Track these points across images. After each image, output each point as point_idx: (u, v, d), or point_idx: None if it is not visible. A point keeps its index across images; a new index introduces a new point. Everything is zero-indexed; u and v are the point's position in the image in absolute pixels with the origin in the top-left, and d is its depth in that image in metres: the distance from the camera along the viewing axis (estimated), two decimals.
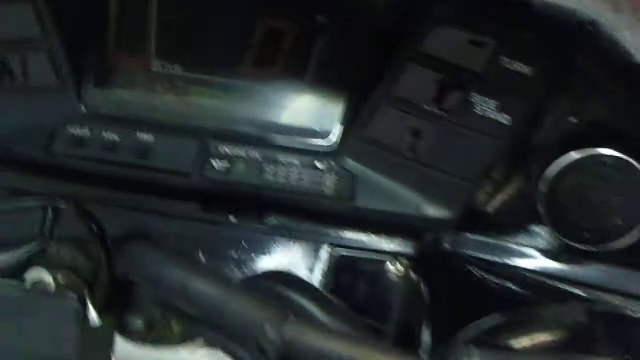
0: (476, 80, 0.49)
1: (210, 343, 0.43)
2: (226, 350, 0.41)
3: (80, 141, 0.53)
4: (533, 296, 0.51)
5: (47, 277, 0.46)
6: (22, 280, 0.45)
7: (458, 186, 0.51)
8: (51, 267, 0.47)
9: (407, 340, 0.53)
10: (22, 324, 0.47)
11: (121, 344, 0.48)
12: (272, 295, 0.47)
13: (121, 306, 0.50)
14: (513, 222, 0.53)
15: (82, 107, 0.53)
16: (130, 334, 0.50)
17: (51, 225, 0.52)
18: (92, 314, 0.47)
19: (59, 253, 0.49)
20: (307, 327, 0.39)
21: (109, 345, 0.47)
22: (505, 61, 0.49)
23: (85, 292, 0.47)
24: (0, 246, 0.46)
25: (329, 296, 0.49)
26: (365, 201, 0.52)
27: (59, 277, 0.47)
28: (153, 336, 0.52)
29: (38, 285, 0.45)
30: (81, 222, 0.50)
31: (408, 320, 0.54)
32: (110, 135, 0.53)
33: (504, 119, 0.49)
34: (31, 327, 0.47)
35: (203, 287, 0.41)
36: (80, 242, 0.50)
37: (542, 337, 0.46)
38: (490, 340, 0.43)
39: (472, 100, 0.50)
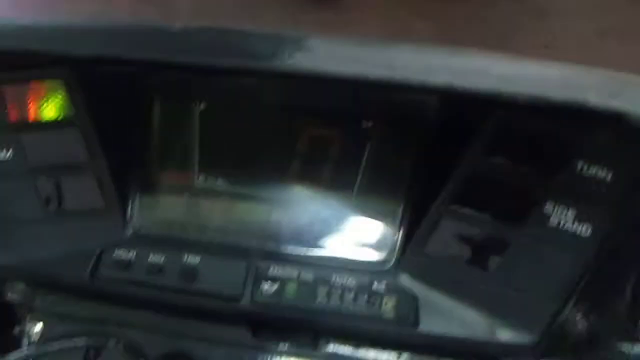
0: (551, 187, 0.44)
1: None
2: None
3: (126, 265, 0.50)
4: None
5: None
6: None
7: (537, 307, 0.45)
8: None
9: None
10: None
11: None
12: None
13: None
14: (601, 346, 0.46)
15: (128, 230, 0.52)
16: None
17: None
18: None
19: None
20: None
21: None
22: (583, 167, 0.44)
23: None
24: None
25: None
26: (429, 325, 0.47)
27: None
28: None
29: None
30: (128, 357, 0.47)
31: None
32: (156, 258, 0.50)
33: (583, 230, 0.44)
34: None
35: None
36: None
37: None
38: None
39: (547, 211, 0.45)
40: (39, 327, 0.54)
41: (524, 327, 0.45)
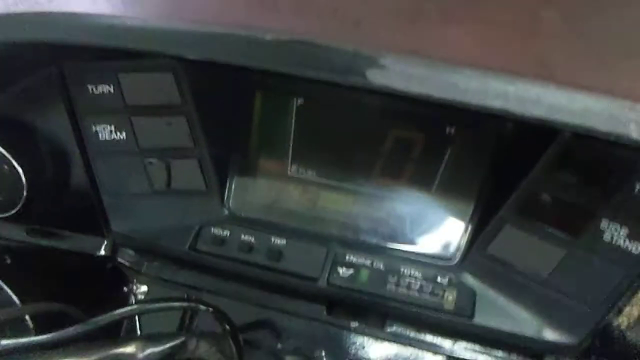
0: (607, 205, 0.49)
1: None
2: None
3: (220, 241, 0.58)
4: None
5: None
6: None
7: (583, 312, 0.51)
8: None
9: None
10: None
11: None
12: None
13: None
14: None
15: (225, 210, 0.59)
16: None
17: (190, 324, 0.58)
18: None
19: (197, 348, 0.53)
20: None
21: None
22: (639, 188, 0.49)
23: None
24: (147, 340, 0.52)
25: None
26: (484, 319, 0.53)
27: None
28: None
29: None
30: (217, 321, 0.54)
31: None
32: (247, 237, 0.58)
33: (634, 248, 0.49)
34: None
35: None
36: (215, 338, 0.54)
37: None
38: None
39: (602, 227, 0.50)
40: (144, 288, 0.63)
41: (569, 329, 0.51)
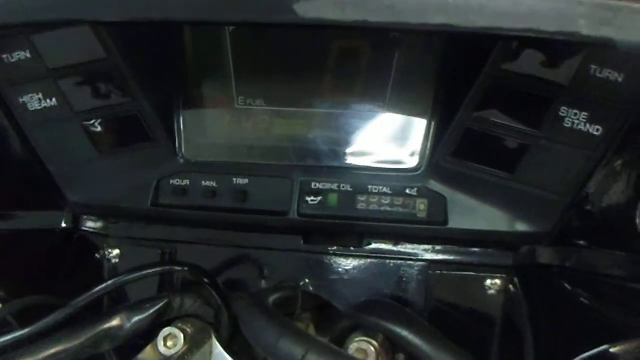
0: (564, 92, 0.48)
1: None
2: None
3: (182, 191, 0.56)
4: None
5: (178, 333, 0.51)
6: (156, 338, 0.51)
7: (552, 201, 0.51)
8: (179, 320, 0.52)
9: (511, 356, 0.55)
10: None
11: None
12: (374, 329, 0.51)
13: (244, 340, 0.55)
14: (609, 235, 0.53)
15: (180, 159, 0.57)
16: None
17: (171, 282, 0.57)
18: (222, 353, 0.52)
19: (183, 305, 0.53)
20: None
21: None
22: (595, 70, 0.47)
23: (213, 334, 0.53)
24: (131, 310, 0.52)
25: (428, 325, 0.52)
26: (458, 222, 0.53)
27: (188, 327, 0.52)
28: None
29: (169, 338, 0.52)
30: (194, 276, 0.54)
31: (510, 335, 0.56)
32: (209, 183, 0.56)
33: (595, 130, 0.49)
34: None
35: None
36: (198, 292, 0.54)
37: None
38: None
39: (561, 114, 0.49)
40: (116, 252, 0.62)
41: (540, 218, 0.52)
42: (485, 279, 0.56)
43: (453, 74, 0.52)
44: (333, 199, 0.55)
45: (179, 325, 0.51)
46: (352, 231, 0.57)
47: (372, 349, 0.51)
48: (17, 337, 0.49)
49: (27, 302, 0.51)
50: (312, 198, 0.55)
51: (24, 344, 0.50)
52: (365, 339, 0.51)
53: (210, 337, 0.52)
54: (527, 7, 0.38)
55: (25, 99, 0.54)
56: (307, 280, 0.60)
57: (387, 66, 0.54)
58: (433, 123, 0.53)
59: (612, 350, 0.46)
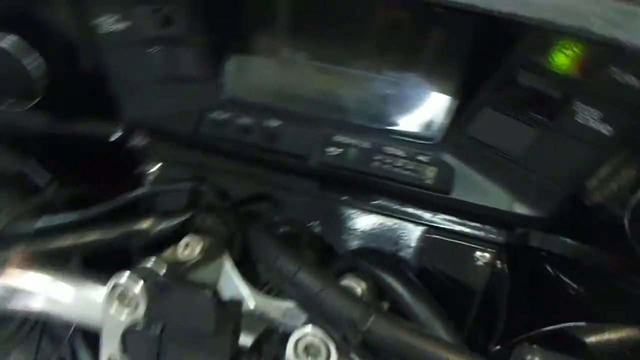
0: (581, 89, 0.51)
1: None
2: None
3: (220, 124, 0.62)
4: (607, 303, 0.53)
5: (198, 241, 0.57)
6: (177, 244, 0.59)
7: (552, 189, 0.54)
8: (199, 234, 0.58)
9: (482, 327, 0.59)
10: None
11: (253, 295, 0.59)
12: (366, 274, 0.56)
13: (253, 262, 0.61)
14: (599, 230, 0.55)
15: (223, 95, 0.63)
16: (260, 286, 0.61)
17: (198, 201, 0.64)
18: (231, 269, 0.59)
19: (204, 222, 0.60)
20: (389, 324, 0.46)
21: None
22: (616, 72, 0.49)
23: (226, 253, 0.59)
24: (160, 217, 0.59)
25: (416, 280, 0.56)
26: (461, 193, 0.57)
27: (205, 241, 0.58)
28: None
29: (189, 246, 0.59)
30: (218, 199, 0.61)
31: (487, 307, 0.59)
32: (245, 120, 0.62)
33: (605, 129, 0.51)
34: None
35: (306, 279, 0.50)
36: (219, 212, 0.61)
37: None
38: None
39: (575, 108, 0.52)
40: (155, 168, 0.69)
41: (538, 203, 0.55)
42: (475, 250, 0.60)
43: (482, 57, 0.55)
44: (352, 153, 0.60)
45: (198, 237, 0.57)
46: (364, 185, 0.61)
47: (359, 290, 0.56)
48: (65, 221, 0.58)
49: (76, 192, 0.60)
50: (334, 149, 0.60)
51: (68, 229, 0.59)
52: (355, 279, 0.57)
53: (223, 254, 0.58)
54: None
55: (100, 20, 0.62)
56: (315, 223, 0.65)
57: (423, 39, 0.58)
58: (456, 99, 0.57)
59: (575, 328, 0.49)
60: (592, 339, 0.49)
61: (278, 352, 0.49)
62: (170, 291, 0.49)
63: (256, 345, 0.50)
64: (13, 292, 0.56)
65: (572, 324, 0.50)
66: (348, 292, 0.49)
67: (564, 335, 0.50)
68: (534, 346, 0.46)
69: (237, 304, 0.52)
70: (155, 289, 0.49)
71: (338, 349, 0.45)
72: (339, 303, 0.47)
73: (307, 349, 0.47)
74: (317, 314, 0.47)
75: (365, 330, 0.45)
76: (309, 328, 0.47)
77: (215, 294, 0.46)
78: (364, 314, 0.46)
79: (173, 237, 0.58)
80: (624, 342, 0.50)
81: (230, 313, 0.47)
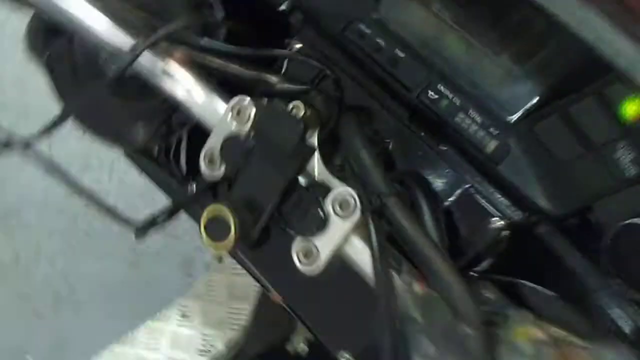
0: (633, 137, 0.62)
1: None
2: None
3: (361, 35, 0.77)
4: None
5: (301, 109, 0.71)
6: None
7: (577, 196, 0.67)
8: (305, 105, 0.72)
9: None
10: None
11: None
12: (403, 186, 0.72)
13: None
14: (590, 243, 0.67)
15: (375, 15, 0.77)
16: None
17: (319, 80, 0.79)
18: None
19: (315, 98, 0.74)
20: (402, 211, 0.62)
21: None
22: None
23: (318, 129, 0.71)
24: (288, 80, 0.76)
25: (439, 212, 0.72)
26: (506, 170, 0.70)
27: (309, 110, 0.71)
28: None
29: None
30: (333, 84, 0.76)
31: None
32: (379, 41, 0.77)
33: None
34: None
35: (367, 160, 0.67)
36: (327, 98, 0.75)
37: None
38: None
39: (622, 148, 0.63)
40: (298, 46, 0.84)
41: (561, 204, 0.68)
42: (494, 216, 0.73)
43: (579, 73, 0.67)
44: (445, 103, 0.73)
45: (303, 105, 0.72)
46: (439, 131, 0.76)
47: None
48: (220, 48, 0.75)
49: (237, 29, 0.77)
50: (432, 94, 0.74)
51: (220, 56, 0.77)
52: None
53: (315, 129, 0.73)
54: None
55: None
56: (391, 142, 0.80)
57: (543, 44, 0.69)
58: (541, 98, 0.69)
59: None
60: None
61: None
62: (272, 114, 0.66)
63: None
64: (164, 72, 0.74)
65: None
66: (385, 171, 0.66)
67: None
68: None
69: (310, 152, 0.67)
70: (263, 111, 0.67)
71: (362, 204, 0.61)
72: (375, 170, 0.65)
73: (341, 205, 0.63)
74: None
75: (383, 203, 0.61)
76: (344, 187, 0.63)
77: (305, 129, 0.63)
78: (389, 190, 0.62)
79: (286, 96, 0.75)
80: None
81: (305, 152, 0.64)
